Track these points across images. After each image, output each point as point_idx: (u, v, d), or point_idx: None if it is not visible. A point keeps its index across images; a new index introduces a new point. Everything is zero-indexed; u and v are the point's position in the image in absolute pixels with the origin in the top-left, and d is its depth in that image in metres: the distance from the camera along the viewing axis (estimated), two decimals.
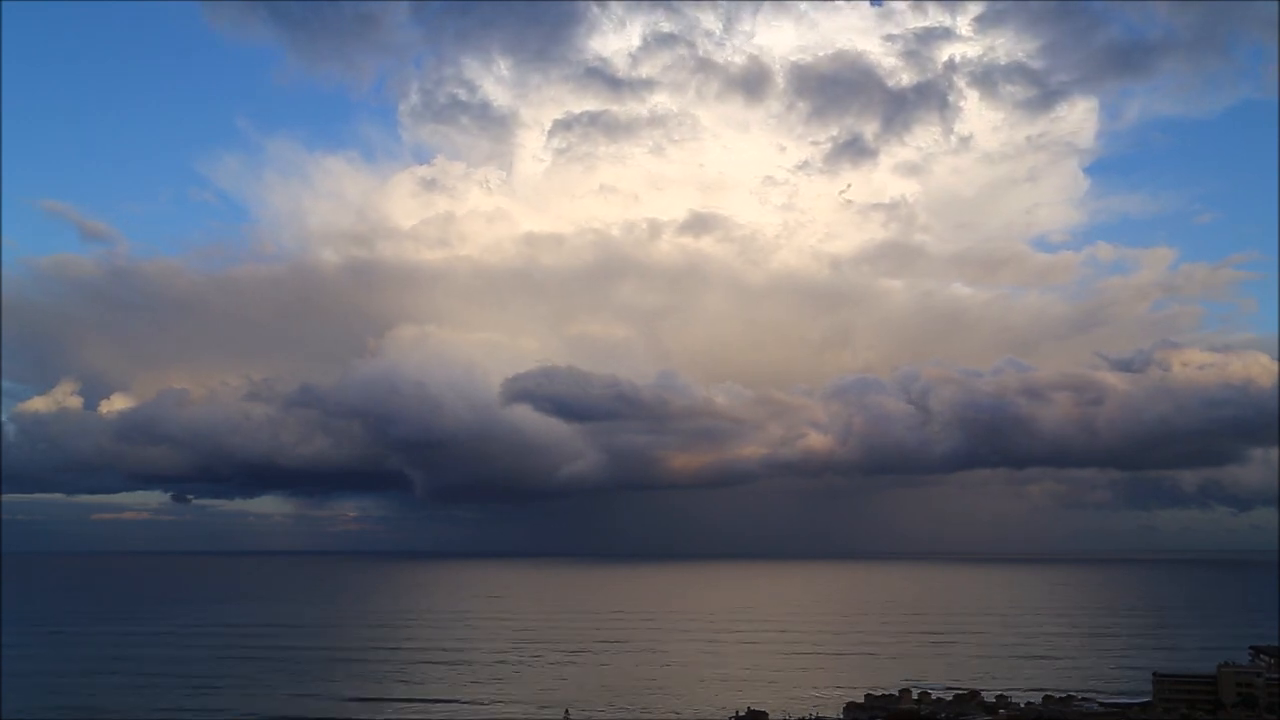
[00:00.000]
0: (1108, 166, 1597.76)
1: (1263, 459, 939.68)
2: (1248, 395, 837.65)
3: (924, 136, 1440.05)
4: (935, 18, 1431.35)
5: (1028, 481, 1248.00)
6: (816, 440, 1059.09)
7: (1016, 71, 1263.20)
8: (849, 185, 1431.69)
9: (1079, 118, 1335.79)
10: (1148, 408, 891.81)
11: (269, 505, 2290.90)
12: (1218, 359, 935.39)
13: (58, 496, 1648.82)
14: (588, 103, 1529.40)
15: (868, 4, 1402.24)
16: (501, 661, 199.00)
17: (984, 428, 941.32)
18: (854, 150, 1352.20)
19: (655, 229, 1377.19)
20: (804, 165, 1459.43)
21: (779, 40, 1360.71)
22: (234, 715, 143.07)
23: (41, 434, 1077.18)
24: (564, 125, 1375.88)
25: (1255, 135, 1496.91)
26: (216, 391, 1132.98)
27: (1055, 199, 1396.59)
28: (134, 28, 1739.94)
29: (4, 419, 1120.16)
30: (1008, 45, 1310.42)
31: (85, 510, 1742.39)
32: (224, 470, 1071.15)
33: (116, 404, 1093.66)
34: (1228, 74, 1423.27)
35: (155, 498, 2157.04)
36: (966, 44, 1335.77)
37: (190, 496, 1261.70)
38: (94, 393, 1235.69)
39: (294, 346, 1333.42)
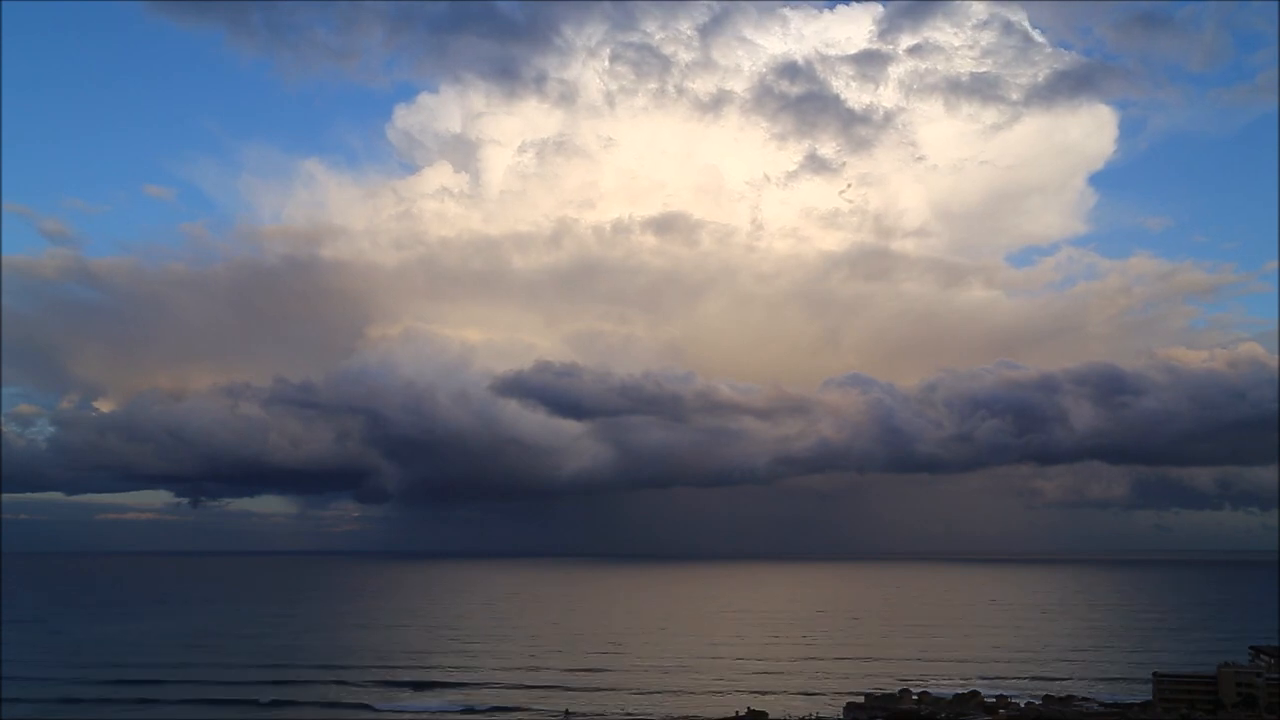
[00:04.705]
0: (1101, 174, 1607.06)
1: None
2: (1256, 387, 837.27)
3: (902, 147, 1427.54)
4: (919, 26, 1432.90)
5: (1036, 480, 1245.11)
6: (820, 438, 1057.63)
7: (998, 80, 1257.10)
8: (849, 185, 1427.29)
9: (1072, 125, 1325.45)
10: (1154, 405, 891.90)
11: (272, 505, 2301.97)
12: (1218, 356, 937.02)
13: (58, 496, 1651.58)
14: (556, 121, 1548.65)
15: (841, 19, 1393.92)
16: (501, 663, 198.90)
17: (987, 427, 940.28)
18: (822, 162, 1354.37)
19: (635, 231, 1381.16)
20: (782, 174, 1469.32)
21: (749, 55, 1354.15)
22: (233, 715, 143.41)
23: (38, 434, 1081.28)
24: (536, 142, 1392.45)
25: (1252, 147, 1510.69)
26: (208, 392, 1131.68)
27: (1043, 205, 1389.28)
28: (115, 31, 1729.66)
29: (2, 419, 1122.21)
30: (989, 56, 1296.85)
31: (88, 510, 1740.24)
32: (224, 470, 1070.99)
33: (107, 405, 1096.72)
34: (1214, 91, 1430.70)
35: (160, 497, 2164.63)
36: (947, 55, 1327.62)
37: (202, 499, 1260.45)
38: (86, 393, 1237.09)
39: (281, 346, 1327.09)
